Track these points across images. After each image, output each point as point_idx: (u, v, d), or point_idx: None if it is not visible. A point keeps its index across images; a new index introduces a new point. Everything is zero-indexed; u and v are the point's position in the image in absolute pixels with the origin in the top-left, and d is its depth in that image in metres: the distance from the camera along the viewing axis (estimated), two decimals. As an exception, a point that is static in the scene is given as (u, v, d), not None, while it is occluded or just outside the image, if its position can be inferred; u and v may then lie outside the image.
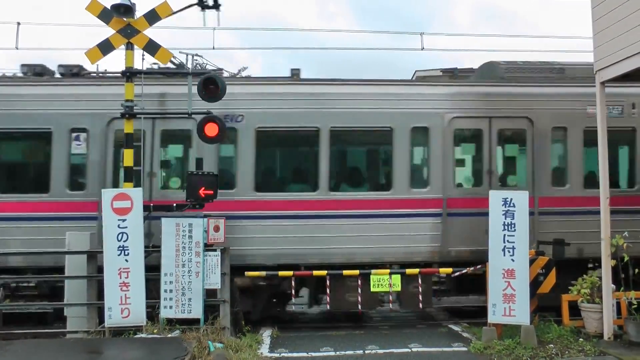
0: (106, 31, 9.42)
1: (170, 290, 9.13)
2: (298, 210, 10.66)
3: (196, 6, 10.24)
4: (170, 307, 9.12)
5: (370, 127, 11.05)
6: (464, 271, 10.20)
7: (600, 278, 9.41)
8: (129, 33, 9.34)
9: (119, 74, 9.82)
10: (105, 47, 9.37)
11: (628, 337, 8.98)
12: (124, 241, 8.85)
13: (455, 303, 12.68)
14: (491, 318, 9.21)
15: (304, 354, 8.82)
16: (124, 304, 8.81)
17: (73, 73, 11.35)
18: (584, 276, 9.83)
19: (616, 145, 11.31)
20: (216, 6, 10.44)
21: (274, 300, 11.27)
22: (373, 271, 10.26)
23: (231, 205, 10.40)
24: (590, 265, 10.95)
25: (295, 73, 11.52)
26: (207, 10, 10.44)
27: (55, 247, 9.78)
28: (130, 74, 9.43)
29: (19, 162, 11.55)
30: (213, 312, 9.33)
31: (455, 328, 10.48)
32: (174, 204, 9.62)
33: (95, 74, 11.69)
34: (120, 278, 8.82)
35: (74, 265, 9.45)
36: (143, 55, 9.69)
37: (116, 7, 9.15)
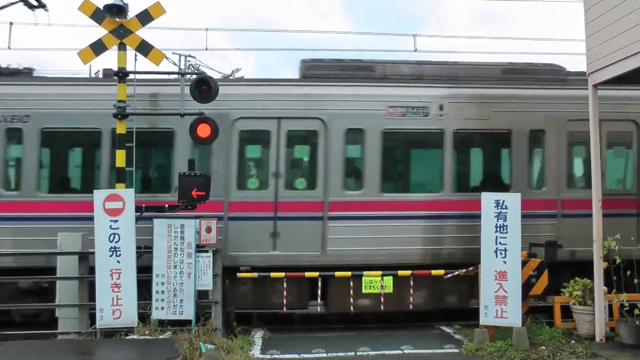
0: (99, 31, 9.45)
1: (162, 292, 9.11)
2: None
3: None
4: (162, 308, 9.10)
5: None
6: (456, 273, 10.23)
7: (592, 280, 9.44)
8: (121, 33, 9.32)
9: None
10: (98, 47, 9.36)
11: (620, 339, 9.00)
12: (116, 242, 8.82)
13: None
14: (483, 320, 9.22)
15: (296, 356, 8.81)
16: (116, 305, 8.77)
17: None
18: (576, 278, 9.85)
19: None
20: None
21: None
22: (365, 273, 10.27)
23: None
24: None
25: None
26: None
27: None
28: (122, 75, 9.41)
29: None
30: (205, 313, 9.31)
31: (447, 330, 10.49)
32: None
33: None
34: (112, 279, 8.79)
35: (66, 266, 9.41)
36: (136, 55, 9.68)
37: (109, 8, 9.12)
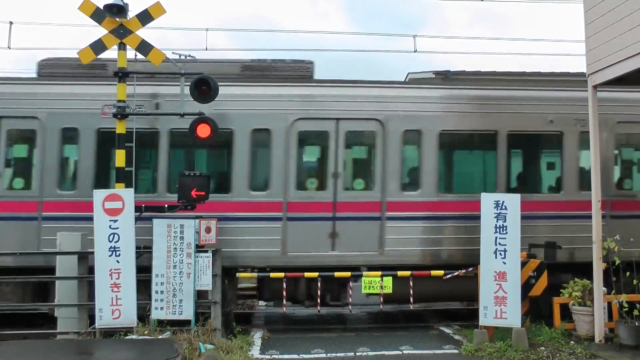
0: (99, 31, 9.45)
1: (162, 292, 9.11)
2: None
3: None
4: (161, 308, 9.09)
5: None
6: (455, 273, 10.22)
7: (591, 281, 9.44)
8: (121, 33, 9.32)
9: None
10: (98, 47, 9.34)
11: (619, 340, 8.99)
12: (115, 242, 8.82)
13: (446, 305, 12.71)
14: (482, 320, 9.22)
15: (295, 356, 8.81)
16: (115, 305, 8.76)
17: None
18: (576, 279, 9.85)
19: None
20: None
21: None
22: (365, 273, 10.28)
23: None
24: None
25: None
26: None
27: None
28: (122, 74, 9.42)
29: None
30: (204, 313, 9.31)
31: (447, 330, 10.49)
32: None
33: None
34: (112, 279, 8.78)
35: (65, 266, 9.40)
36: (135, 55, 9.67)
37: (109, 7, 9.11)
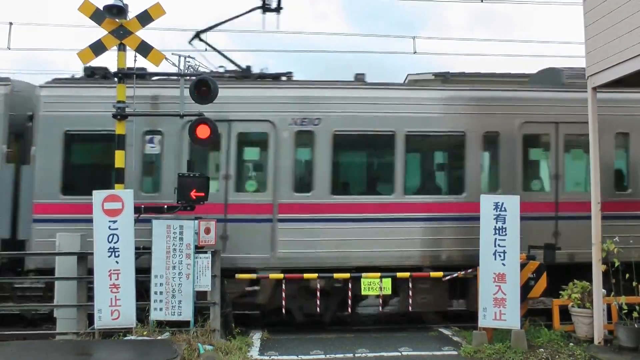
0: (99, 32, 9.46)
1: (161, 292, 9.11)
2: None
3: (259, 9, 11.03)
4: (160, 309, 9.10)
5: None
6: (454, 275, 10.22)
7: (591, 283, 9.43)
8: (121, 34, 9.34)
9: None
10: (98, 48, 9.38)
11: (618, 342, 8.98)
12: (115, 243, 8.84)
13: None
14: (482, 322, 9.22)
15: (294, 357, 8.81)
16: (114, 305, 8.78)
17: None
18: (575, 281, 9.85)
19: None
20: (278, 9, 11.23)
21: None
22: (364, 274, 10.26)
23: None
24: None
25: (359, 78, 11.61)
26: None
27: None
28: (122, 75, 9.43)
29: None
30: (203, 314, 9.31)
31: (446, 332, 10.49)
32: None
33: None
34: (111, 280, 8.80)
35: (64, 267, 9.41)
36: (135, 56, 9.68)
37: (109, 8, 9.14)
